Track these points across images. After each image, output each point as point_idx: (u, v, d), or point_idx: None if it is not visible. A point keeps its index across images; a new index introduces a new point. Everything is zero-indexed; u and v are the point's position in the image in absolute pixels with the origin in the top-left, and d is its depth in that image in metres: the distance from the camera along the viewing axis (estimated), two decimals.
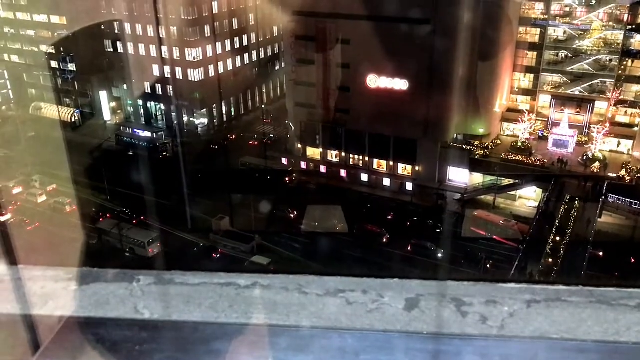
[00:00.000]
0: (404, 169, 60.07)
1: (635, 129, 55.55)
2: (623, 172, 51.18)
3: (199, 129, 75.65)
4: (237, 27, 77.73)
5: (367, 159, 61.40)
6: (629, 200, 47.10)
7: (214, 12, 73.24)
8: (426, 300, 1.62)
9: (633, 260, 44.03)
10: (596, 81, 57.86)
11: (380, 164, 61.23)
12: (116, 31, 76.99)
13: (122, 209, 54.35)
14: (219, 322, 1.66)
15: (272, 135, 70.65)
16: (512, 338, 1.55)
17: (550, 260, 39.64)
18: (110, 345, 1.70)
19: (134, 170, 63.52)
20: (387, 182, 60.61)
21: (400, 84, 55.97)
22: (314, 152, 64.51)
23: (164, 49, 73.18)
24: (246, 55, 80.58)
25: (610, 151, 55.68)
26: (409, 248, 47.33)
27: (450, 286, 1.65)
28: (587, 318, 1.56)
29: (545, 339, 1.54)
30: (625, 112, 57.24)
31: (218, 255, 47.27)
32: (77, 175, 57.10)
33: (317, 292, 1.69)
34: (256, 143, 69.35)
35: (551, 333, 1.55)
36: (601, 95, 57.69)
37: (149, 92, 77.56)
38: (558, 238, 42.30)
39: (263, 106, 79.73)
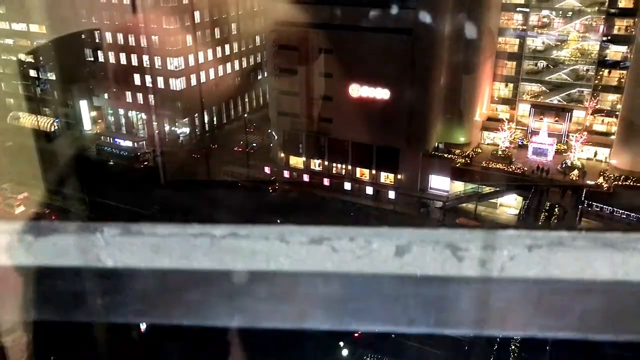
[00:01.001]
0: (386, 177, 60.23)
1: (612, 137, 56.57)
2: (601, 180, 51.97)
3: (181, 138, 75.08)
4: (219, 36, 77.63)
5: (349, 167, 61.47)
6: (606, 207, 47.79)
7: (195, 22, 73.08)
8: (419, 246, 1.48)
9: None
10: (574, 90, 58.89)
11: (362, 173, 61.33)
12: (97, 40, 76.32)
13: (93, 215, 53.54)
14: (191, 269, 1.50)
15: (254, 145, 70.40)
16: (514, 281, 1.42)
17: None
18: (70, 298, 1.53)
19: (114, 179, 62.79)
20: (369, 190, 60.70)
21: (382, 93, 56.28)
22: (297, 161, 64.39)
23: (145, 58, 72.69)
24: (228, 65, 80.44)
25: (588, 159, 56.61)
26: None
27: (444, 233, 1.51)
28: (594, 260, 1.44)
29: (550, 281, 1.41)
30: (602, 120, 58.30)
31: None
32: (56, 185, 56.19)
33: (300, 240, 1.54)
34: (240, 149, 68.97)
35: (555, 275, 1.42)
36: (579, 105, 58.72)
37: (130, 101, 76.86)
38: None
39: (246, 115, 79.57)
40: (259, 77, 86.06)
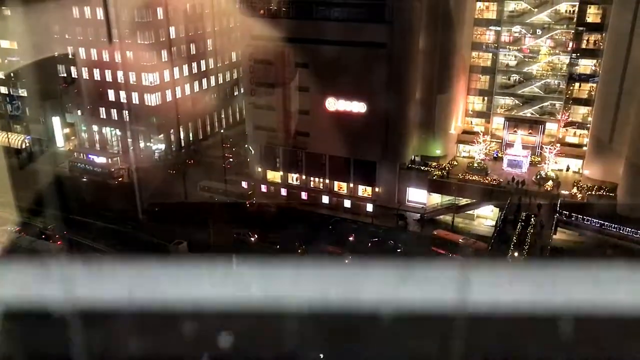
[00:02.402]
0: (364, 190, 60.37)
1: (584, 148, 57.80)
2: (575, 190, 52.90)
3: (156, 154, 74.16)
4: (195, 52, 77.33)
5: (327, 181, 61.45)
6: (580, 216, 48.51)
7: (171, 37, 72.67)
8: None
9: None
10: (546, 103, 60.14)
11: (340, 186, 61.37)
12: (70, 55, 75.26)
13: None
14: None
15: (231, 160, 69.93)
16: None
17: None
18: None
19: (87, 196, 61.70)
20: (347, 203, 60.71)
21: (359, 107, 56.60)
22: (274, 175, 64.13)
23: (120, 73, 71.89)
24: (204, 80, 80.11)
25: (559, 170, 57.64)
26: None
27: None
28: None
29: None
30: (574, 133, 59.57)
31: None
32: (27, 203, 54.87)
33: None
34: (219, 165, 68.39)
35: None
36: (551, 117, 59.94)
37: (104, 117, 75.80)
38: (516, 254, 43.10)
39: (222, 131, 79.12)
40: (236, 92, 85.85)
